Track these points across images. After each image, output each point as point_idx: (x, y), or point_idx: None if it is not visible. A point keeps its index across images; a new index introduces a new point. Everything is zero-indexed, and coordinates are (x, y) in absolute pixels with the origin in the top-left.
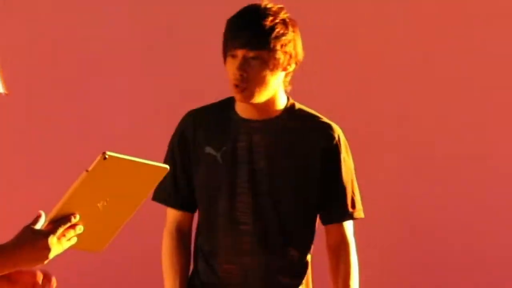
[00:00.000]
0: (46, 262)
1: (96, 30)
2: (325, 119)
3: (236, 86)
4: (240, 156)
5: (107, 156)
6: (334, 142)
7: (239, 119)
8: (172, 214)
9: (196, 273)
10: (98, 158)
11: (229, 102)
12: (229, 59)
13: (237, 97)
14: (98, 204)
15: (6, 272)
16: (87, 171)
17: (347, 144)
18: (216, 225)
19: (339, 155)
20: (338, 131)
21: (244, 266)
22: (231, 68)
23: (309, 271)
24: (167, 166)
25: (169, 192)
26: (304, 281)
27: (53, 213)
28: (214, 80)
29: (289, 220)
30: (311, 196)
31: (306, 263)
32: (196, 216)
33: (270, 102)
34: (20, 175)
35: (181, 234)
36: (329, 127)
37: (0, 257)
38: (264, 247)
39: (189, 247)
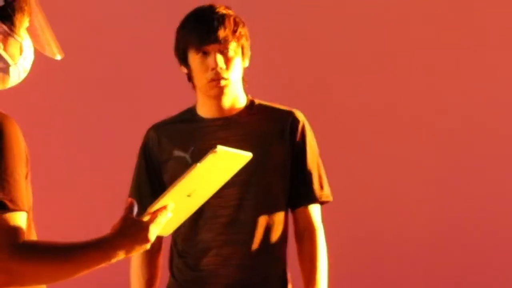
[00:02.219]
0: (141, 251)
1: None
2: (286, 108)
3: (213, 80)
4: None
5: (217, 151)
6: (299, 127)
7: (202, 119)
8: None
9: (174, 281)
10: (210, 152)
11: (190, 110)
12: (198, 57)
13: (214, 91)
14: (189, 194)
15: (102, 264)
16: (196, 164)
17: (311, 128)
18: (193, 224)
19: (304, 139)
20: (301, 117)
21: (227, 258)
22: (205, 64)
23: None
24: (250, 154)
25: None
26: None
27: (158, 204)
28: None
29: (262, 208)
30: (280, 183)
31: (284, 250)
32: None
33: (233, 99)
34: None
35: (149, 250)
36: (292, 114)
37: (104, 249)
38: (242, 237)
39: (157, 262)
